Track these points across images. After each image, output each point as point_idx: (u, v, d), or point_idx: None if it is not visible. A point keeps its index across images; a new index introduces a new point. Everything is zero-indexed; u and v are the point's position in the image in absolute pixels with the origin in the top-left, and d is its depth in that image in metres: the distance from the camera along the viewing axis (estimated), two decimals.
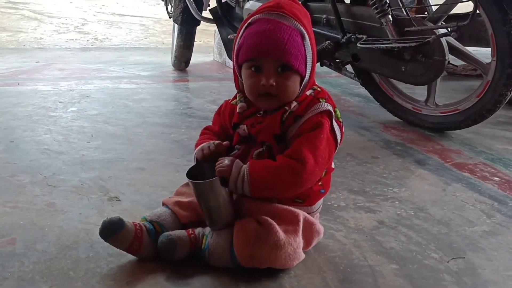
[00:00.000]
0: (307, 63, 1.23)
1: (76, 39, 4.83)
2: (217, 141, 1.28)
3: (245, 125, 1.27)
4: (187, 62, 3.44)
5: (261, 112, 1.25)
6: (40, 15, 5.88)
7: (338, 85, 3.13)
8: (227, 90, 2.96)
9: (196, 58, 3.56)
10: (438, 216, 1.55)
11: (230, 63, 3.54)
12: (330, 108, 1.23)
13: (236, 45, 1.26)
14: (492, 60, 2.10)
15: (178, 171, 1.74)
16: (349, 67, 2.51)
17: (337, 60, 2.47)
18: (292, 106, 1.22)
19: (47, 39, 4.70)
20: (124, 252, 1.22)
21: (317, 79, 3.34)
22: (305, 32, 1.22)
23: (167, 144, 2.06)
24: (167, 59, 3.61)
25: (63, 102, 2.55)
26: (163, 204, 1.32)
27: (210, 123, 1.42)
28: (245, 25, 1.24)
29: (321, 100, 1.24)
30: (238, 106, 1.29)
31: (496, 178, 1.85)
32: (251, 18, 1.23)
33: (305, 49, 1.22)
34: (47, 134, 2.10)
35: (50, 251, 1.26)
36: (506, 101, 2.14)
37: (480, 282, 1.23)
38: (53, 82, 2.96)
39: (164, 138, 2.13)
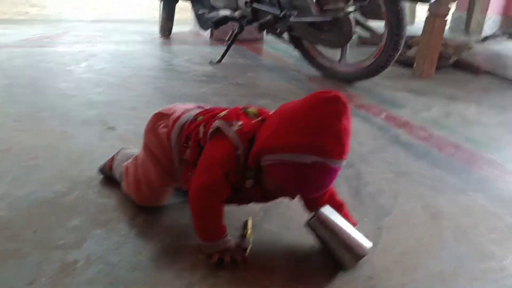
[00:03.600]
0: None
1: (88, 13, 4.62)
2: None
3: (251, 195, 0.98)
4: (169, 30, 3.33)
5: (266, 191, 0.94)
6: None
7: (281, 49, 3.10)
8: (199, 52, 2.91)
9: (177, 28, 3.45)
10: None
11: (202, 32, 3.46)
12: None
13: (276, 159, 0.84)
14: (384, 30, 2.12)
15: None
16: (285, 35, 2.49)
17: (277, 31, 2.45)
18: None
19: (66, 14, 4.48)
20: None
21: (266, 44, 3.29)
22: None
23: (152, 90, 2.04)
24: (156, 29, 3.49)
25: (76, 60, 2.47)
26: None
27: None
28: (300, 158, 0.81)
29: None
30: (247, 182, 0.92)
31: (384, 114, 1.91)
32: (312, 158, 0.81)
33: None
34: (63, 82, 2.04)
35: (62, 163, 1.27)
36: (394, 60, 2.17)
37: (362, 183, 1.28)
38: (69, 45, 2.85)
39: (150, 85, 2.09)
